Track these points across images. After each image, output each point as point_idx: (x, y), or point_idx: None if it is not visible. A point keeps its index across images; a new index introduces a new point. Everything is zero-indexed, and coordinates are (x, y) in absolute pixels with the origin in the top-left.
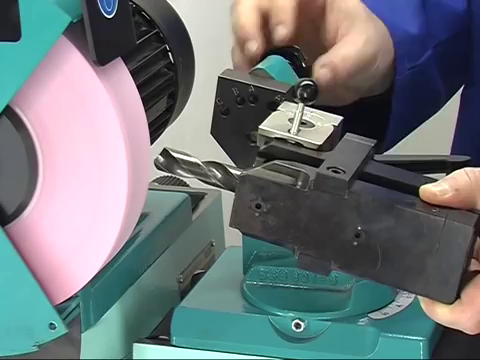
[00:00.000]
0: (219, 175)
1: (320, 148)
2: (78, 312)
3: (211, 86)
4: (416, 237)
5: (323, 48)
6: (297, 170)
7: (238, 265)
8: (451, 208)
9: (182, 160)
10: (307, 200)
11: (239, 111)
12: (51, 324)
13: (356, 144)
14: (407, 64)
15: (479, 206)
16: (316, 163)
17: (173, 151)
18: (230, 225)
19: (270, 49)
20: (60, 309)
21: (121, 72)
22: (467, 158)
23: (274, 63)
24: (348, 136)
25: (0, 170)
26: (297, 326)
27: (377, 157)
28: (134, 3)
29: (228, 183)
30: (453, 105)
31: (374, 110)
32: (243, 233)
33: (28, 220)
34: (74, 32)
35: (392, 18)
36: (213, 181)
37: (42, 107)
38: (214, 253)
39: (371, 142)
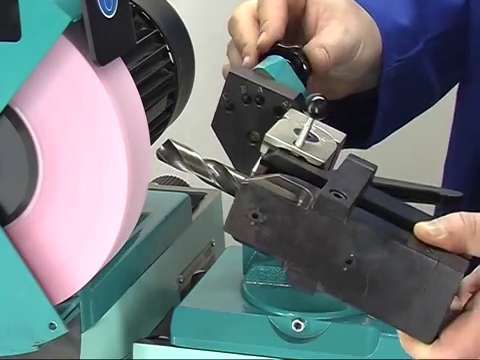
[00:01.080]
0: (218, 174)
1: (322, 166)
2: (78, 312)
3: (211, 86)
4: (406, 274)
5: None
6: (300, 187)
7: (238, 265)
8: (443, 249)
9: (184, 153)
10: (305, 219)
11: (243, 109)
12: (51, 324)
13: (358, 167)
14: (396, 56)
15: (469, 251)
16: (318, 181)
17: (176, 143)
18: (224, 229)
19: (270, 49)
20: (60, 309)
21: (121, 72)
22: (459, 194)
23: (274, 63)
24: (350, 157)
25: (0, 170)
26: (297, 326)
27: (375, 179)
28: (134, 3)
29: (226, 184)
30: (451, 101)
31: (366, 105)
32: (235, 239)
33: (28, 220)
34: (74, 32)
35: (382, 9)
36: (211, 180)
37: (42, 107)
38: (214, 253)
39: (372, 167)
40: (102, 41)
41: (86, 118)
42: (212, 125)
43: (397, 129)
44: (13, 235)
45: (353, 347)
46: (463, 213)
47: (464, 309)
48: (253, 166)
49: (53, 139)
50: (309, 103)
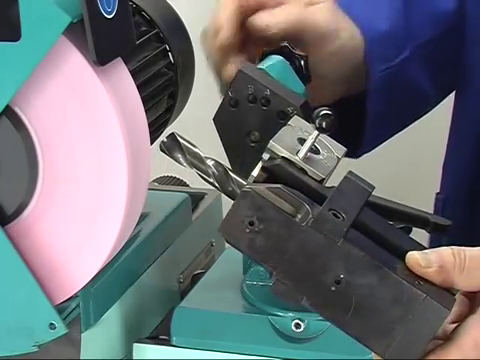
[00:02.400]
0: (217, 174)
1: (322, 181)
2: (78, 312)
3: (211, 86)
4: (393, 302)
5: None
6: (300, 202)
7: (238, 265)
8: (431, 282)
9: (187, 148)
10: (301, 234)
11: (247, 108)
12: (51, 324)
13: (357, 187)
14: (380, 66)
15: (455, 286)
16: (316, 196)
17: (181, 137)
18: (218, 231)
19: (270, 49)
20: (60, 309)
21: (121, 72)
22: (448, 223)
23: (274, 63)
24: (349, 175)
25: (0, 170)
26: (297, 326)
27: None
28: (134, 3)
29: (224, 185)
30: (449, 104)
31: (355, 115)
32: (228, 242)
33: (28, 220)
34: (74, 32)
35: (366, 17)
36: (211, 180)
37: (42, 107)
38: (214, 253)
39: (370, 187)
40: (102, 41)
41: (86, 118)
42: (214, 119)
43: (390, 137)
44: (13, 235)
45: (353, 347)
46: (454, 247)
47: (447, 338)
48: (250, 166)
49: (53, 139)
50: (316, 117)
